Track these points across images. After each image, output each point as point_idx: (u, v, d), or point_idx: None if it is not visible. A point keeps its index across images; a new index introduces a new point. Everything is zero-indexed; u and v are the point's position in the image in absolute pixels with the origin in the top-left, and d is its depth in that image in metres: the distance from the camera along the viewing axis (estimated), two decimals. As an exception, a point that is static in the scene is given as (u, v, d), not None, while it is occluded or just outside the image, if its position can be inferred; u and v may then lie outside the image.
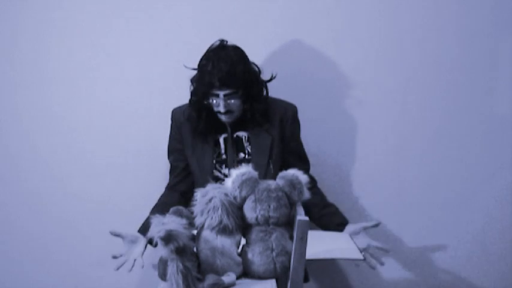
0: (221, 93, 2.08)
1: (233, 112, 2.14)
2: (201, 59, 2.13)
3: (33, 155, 2.57)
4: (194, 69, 2.16)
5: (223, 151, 2.21)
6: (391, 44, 2.51)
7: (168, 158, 2.31)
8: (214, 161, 2.20)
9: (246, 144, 2.21)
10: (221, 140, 2.21)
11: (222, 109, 2.11)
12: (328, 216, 2.22)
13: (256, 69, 2.19)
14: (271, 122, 2.21)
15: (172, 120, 2.28)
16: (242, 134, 2.21)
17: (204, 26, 2.48)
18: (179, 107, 2.28)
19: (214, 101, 2.11)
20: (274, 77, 2.23)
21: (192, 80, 2.19)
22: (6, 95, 2.55)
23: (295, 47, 2.50)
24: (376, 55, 2.51)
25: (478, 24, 2.50)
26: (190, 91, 2.20)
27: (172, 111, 2.29)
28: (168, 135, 2.29)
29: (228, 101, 2.10)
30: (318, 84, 2.53)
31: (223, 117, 2.15)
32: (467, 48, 2.51)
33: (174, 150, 2.29)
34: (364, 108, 2.55)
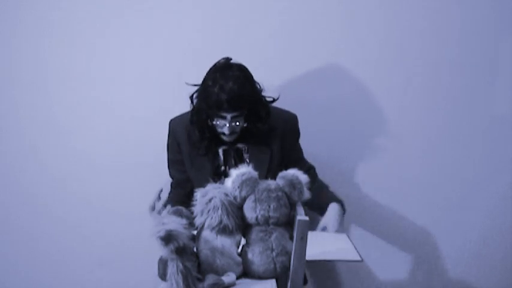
0: (229, 116, 2.03)
1: (236, 133, 2.10)
2: (206, 79, 2.05)
3: (33, 155, 2.57)
4: (195, 85, 2.11)
5: (222, 163, 2.18)
6: (391, 45, 2.51)
7: (169, 170, 2.27)
8: (213, 174, 2.14)
9: (246, 155, 2.17)
10: (220, 152, 2.18)
11: (227, 131, 2.06)
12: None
13: (259, 87, 2.13)
14: (272, 134, 2.17)
15: (170, 131, 2.24)
16: (242, 146, 2.17)
17: (204, 26, 2.48)
18: (177, 118, 2.23)
19: (219, 122, 2.06)
20: (277, 98, 2.19)
21: (192, 98, 2.13)
22: (6, 95, 2.55)
23: (295, 48, 2.50)
24: (376, 55, 2.51)
25: (478, 24, 2.50)
26: (192, 109, 2.14)
27: (170, 122, 2.24)
28: (166, 147, 2.25)
29: (233, 124, 2.05)
30: (318, 85, 2.53)
31: (225, 138, 2.10)
32: (467, 48, 2.51)
33: (174, 162, 2.24)
34: (364, 108, 2.55)
